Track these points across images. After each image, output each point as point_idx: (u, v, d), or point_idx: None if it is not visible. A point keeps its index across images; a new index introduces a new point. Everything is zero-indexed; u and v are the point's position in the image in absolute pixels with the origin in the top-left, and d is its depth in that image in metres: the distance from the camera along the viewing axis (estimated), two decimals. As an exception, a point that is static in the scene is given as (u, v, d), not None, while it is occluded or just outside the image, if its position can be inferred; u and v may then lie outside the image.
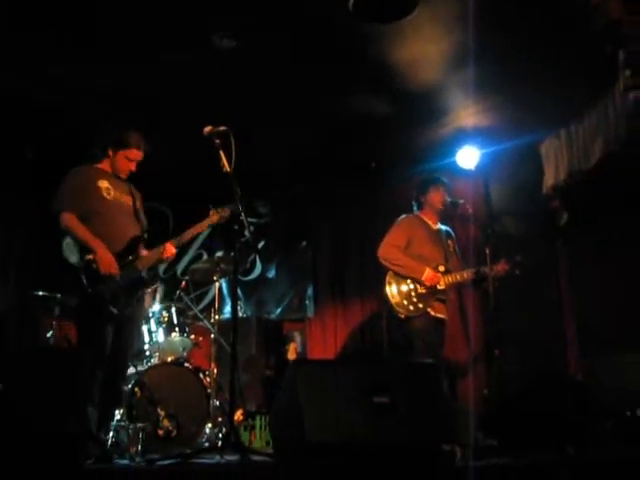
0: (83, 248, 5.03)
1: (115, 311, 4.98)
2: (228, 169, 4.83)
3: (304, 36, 5.87)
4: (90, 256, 4.98)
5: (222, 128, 4.87)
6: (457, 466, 4.22)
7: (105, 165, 5.43)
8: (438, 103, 6.98)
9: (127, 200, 5.44)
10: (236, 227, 4.95)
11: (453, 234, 6.61)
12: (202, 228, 5.47)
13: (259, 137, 7.09)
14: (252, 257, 9.23)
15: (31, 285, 7.22)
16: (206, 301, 8.73)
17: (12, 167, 7.73)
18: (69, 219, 5.08)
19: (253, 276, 9.33)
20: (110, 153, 5.38)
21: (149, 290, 5.44)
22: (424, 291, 6.10)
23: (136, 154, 5.37)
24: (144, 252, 5.33)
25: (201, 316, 7.25)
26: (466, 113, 7.23)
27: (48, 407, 3.80)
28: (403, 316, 6.10)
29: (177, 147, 7.44)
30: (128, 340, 5.31)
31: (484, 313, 7.32)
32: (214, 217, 5.40)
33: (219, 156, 4.84)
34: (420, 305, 6.07)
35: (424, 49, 6.06)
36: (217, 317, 6.93)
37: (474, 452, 4.71)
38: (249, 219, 5.03)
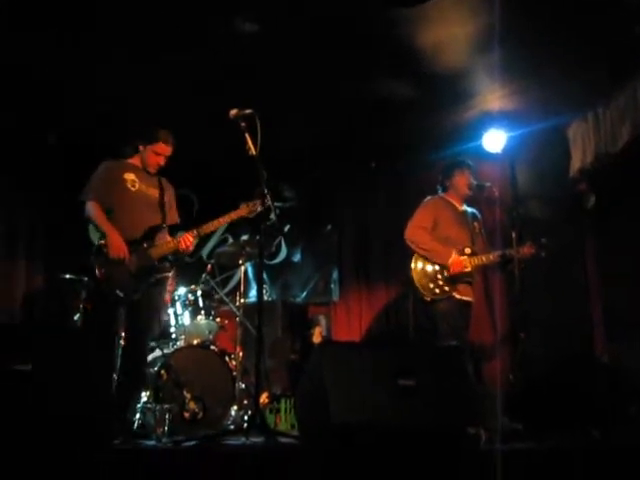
0: (102, 235, 5.24)
1: (121, 295, 5.13)
2: (254, 152, 4.85)
3: (328, 20, 5.86)
4: (102, 241, 5.20)
5: (248, 111, 4.88)
6: (482, 450, 4.22)
7: (135, 160, 5.66)
8: (464, 86, 6.95)
9: (153, 193, 5.62)
10: (262, 210, 4.97)
11: (479, 216, 6.58)
12: (227, 220, 5.56)
13: (284, 121, 7.09)
14: (277, 241, 9.25)
15: (58, 268, 7.30)
16: (232, 284, 8.77)
17: (37, 152, 7.79)
18: (91, 207, 5.33)
19: (278, 260, 9.36)
20: (140, 148, 5.59)
21: (166, 276, 5.50)
22: (449, 274, 6.08)
23: (164, 148, 5.55)
24: (161, 241, 5.43)
25: (227, 299, 7.27)
26: (492, 96, 7.19)
27: (74, 387, 3.84)
28: (429, 299, 6.09)
29: (200, 132, 7.48)
30: (146, 323, 5.43)
31: (510, 296, 7.30)
32: (242, 211, 5.45)
33: (245, 139, 4.86)
34: (446, 288, 6.06)
35: (449, 32, 6.03)
36: (242, 300, 6.95)
37: (500, 436, 4.71)
38: (275, 203, 5.05)
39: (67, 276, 6.94)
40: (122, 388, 5.07)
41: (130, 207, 5.42)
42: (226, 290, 8.45)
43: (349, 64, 6.51)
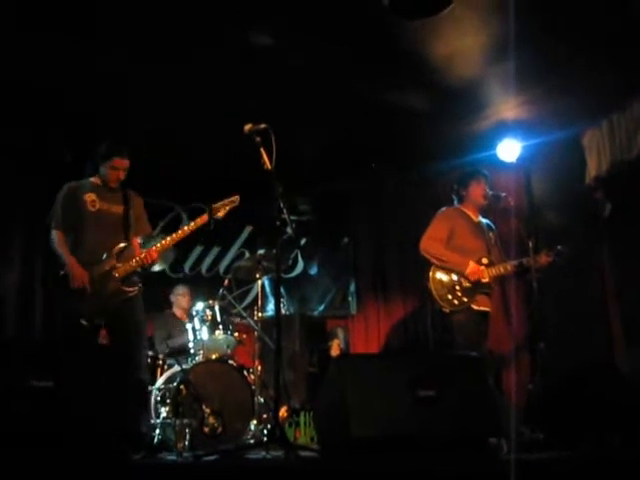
0: (62, 265, 5.29)
1: (85, 323, 5.12)
2: (269, 167, 4.83)
3: (340, 32, 5.88)
4: (62, 272, 5.24)
5: (262, 126, 4.86)
6: (503, 459, 4.20)
7: (96, 178, 5.63)
8: (478, 96, 6.95)
9: (116, 209, 5.59)
10: (278, 224, 4.95)
11: (494, 227, 6.56)
12: (192, 228, 5.51)
13: (299, 134, 7.12)
14: (294, 254, 9.26)
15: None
16: (249, 299, 8.77)
17: (52, 168, 7.81)
18: (54, 236, 5.41)
19: (295, 273, 9.36)
20: (98, 167, 5.57)
21: (135, 293, 5.48)
22: (469, 285, 6.05)
23: (119, 162, 5.51)
24: (124, 260, 5.41)
25: (244, 314, 7.29)
26: (506, 106, 7.19)
27: (95, 403, 3.86)
28: (447, 310, 6.06)
29: (216, 145, 7.53)
30: (131, 340, 5.36)
31: (528, 306, 7.27)
32: (204, 217, 5.47)
33: (260, 154, 4.85)
34: (465, 299, 6.02)
35: (463, 42, 6.03)
36: (260, 315, 6.96)
37: (520, 446, 4.69)
38: (290, 217, 5.03)
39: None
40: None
41: (91, 229, 5.43)
42: (244, 305, 8.45)
43: (363, 75, 6.54)
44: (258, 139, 4.86)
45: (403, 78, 6.64)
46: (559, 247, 6.09)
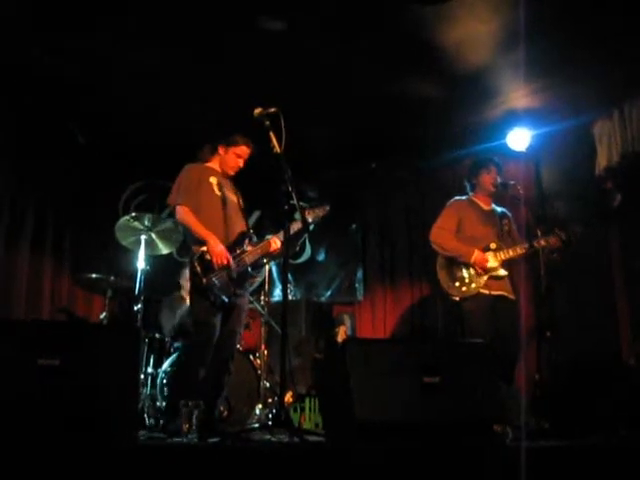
0: (196, 240, 5.33)
1: (227, 300, 5.24)
2: (278, 151, 4.84)
3: (353, 18, 5.86)
4: (204, 248, 5.26)
5: (272, 109, 4.87)
6: (508, 447, 4.20)
7: (214, 164, 5.74)
8: (488, 84, 6.94)
9: (233, 198, 5.71)
10: (286, 208, 4.95)
11: (509, 214, 6.54)
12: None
13: (308, 120, 7.09)
14: (302, 240, 9.25)
15: (85, 267, 7.35)
16: (256, 284, 8.78)
17: (67, 152, 7.83)
18: (184, 212, 5.39)
19: (303, 259, 9.36)
20: (221, 151, 5.70)
21: (257, 280, 5.61)
22: (476, 272, 6.06)
23: (245, 151, 5.68)
24: (250, 247, 5.54)
25: (251, 298, 7.29)
26: (517, 94, 7.17)
27: (102, 382, 3.87)
28: (457, 298, 6.07)
29: (228, 128, 7.52)
30: (238, 324, 5.53)
31: (536, 294, 7.24)
32: (310, 216, 5.69)
33: (269, 137, 4.85)
34: (473, 285, 6.02)
35: (474, 29, 6.01)
36: (267, 300, 6.98)
37: (526, 434, 4.69)
38: (299, 202, 5.02)
39: (93, 275, 6.98)
40: (211, 382, 5.27)
41: (219, 212, 5.50)
42: (251, 289, 8.46)
43: (373, 62, 6.52)
44: (267, 123, 4.87)
45: (413, 65, 6.63)
46: (576, 227, 6.07)
